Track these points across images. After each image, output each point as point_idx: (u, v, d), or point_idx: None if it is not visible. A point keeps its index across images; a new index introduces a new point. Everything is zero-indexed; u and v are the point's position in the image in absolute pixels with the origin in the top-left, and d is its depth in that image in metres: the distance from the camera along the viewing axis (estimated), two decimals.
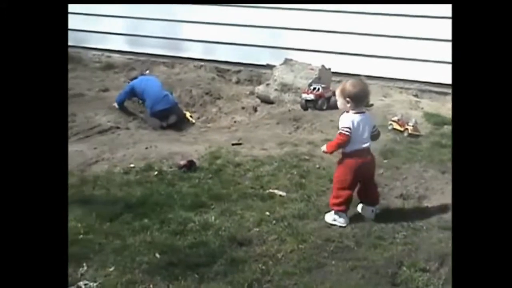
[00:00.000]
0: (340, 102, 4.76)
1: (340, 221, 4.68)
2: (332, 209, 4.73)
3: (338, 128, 6.60)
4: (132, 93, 7.91)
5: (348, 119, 4.68)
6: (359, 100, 4.68)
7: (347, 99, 4.66)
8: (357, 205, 4.85)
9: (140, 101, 8.02)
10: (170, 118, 7.60)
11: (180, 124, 7.68)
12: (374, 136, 4.82)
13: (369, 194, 4.84)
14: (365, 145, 4.73)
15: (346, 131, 4.64)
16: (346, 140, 4.65)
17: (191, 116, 7.90)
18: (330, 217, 4.72)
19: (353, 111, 4.68)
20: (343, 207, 4.69)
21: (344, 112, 4.74)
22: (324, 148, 4.86)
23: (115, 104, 7.87)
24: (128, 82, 8.19)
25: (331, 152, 4.87)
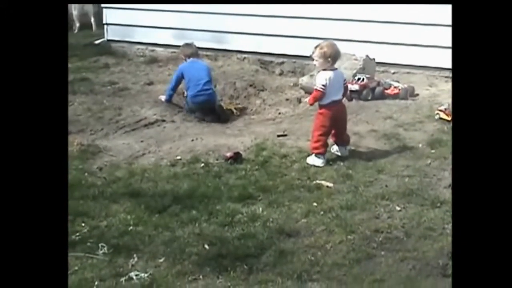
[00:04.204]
0: (320, 62, 5.66)
1: (318, 162, 5.58)
2: (313, 153, 5.64)
3: (384, 119, 6.62)
4: (182, 77, 7.81)
5: (324, 77, 5.62)
6: (335, 59, 5.68)
7: (328, 59, 5.60)
8: (331, 147, 5.82)
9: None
10: (208, 117, 7.48)
11: (225, 117, 7.69)
12: (344, 88, 5.84)
13: (343, 138, 5.83)
14: (339, 97, 5.75)
15: (321, 88, 5.61)
16: (320, 95, 5.64)
17: (235, 108, 7.91)
18: (311, 159, 5.63)
19: (329, 69, 5.63)
20: (322, 149, 5.62)
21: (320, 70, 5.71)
22: (306, 100, 6.02)
23: (161, 97, 7.89)
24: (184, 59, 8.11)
25: (312, 104, 5.88)
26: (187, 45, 8.14)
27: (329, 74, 5.62)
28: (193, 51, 8.00)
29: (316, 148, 5.63)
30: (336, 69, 5.74)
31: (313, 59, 5.77)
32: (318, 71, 5.79)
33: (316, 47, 5.69)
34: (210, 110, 7.60)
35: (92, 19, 12.85)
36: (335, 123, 5.72)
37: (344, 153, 5.80)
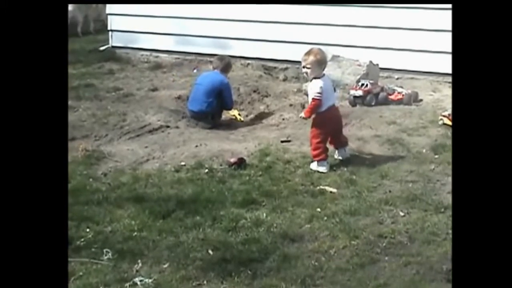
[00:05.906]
0: (314, 69, 5.57)
1: (322, 169, 5.56)
2: (315, 160, 5.61)
3: (388, 124, 6.62)
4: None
5: (318, 85, 5.56)
6: (326, 65, 5.80)
7: (322, 65, 5.64)
8: (334, 154, 5.83)
9: None
10: (201, 122, 7.45)
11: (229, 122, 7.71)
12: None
13: (341, 140, 5.82)
14: (333, 101, 5.75)
15: (318, 96, 5.55)
16: (319, 104, 5.57)
17: (239, 114, 7.92)
18: (314, 166, 5.61)
19: (319, 77, 5.59)
20: (324, 155, 5.59)
21: (312, 79, 5.61)
22: (302, 114, 5.85)
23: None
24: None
25: (309, 117, 5.73)
26: (217, 57, 7.94)
27: (321, 82, 5.59)
28: (219, 65, 7.74)
29: (317, 155, 5.62)
30: (324, 75, 5.71)
31: (303, 67, 5.65)
32: (310, 80, 5.66)
33: (307, 55, 5.61)
34: (203, 119, 7.49)
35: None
36: (332, 128, 5.75)
37: (344, 155, 5.81)
